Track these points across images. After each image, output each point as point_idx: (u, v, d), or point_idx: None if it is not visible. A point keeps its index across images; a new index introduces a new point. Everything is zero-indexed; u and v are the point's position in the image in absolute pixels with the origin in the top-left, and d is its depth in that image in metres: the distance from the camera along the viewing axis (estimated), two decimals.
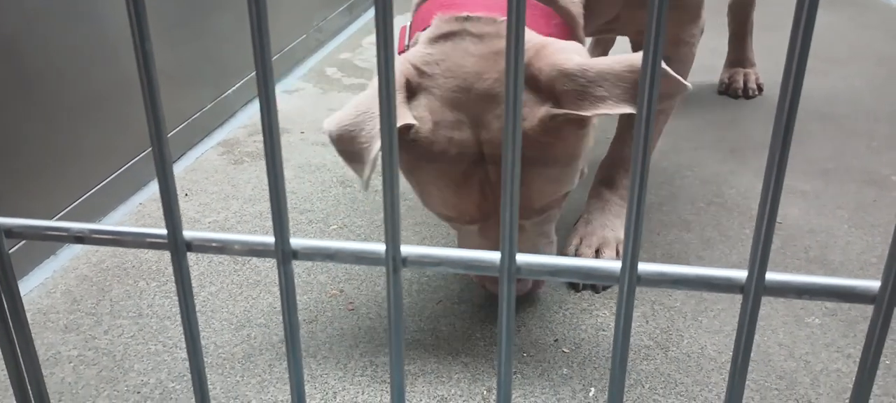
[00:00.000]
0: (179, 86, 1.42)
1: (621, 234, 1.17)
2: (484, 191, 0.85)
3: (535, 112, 0.82)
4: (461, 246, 0.96)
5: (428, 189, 0.88)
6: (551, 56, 0.81)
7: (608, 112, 0.77)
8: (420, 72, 0.84)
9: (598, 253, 1.08)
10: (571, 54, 0.81)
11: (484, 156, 0.84)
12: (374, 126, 0.80)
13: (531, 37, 0.84)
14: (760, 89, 1.71)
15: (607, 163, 1.15)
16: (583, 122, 0.84)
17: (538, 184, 0.86)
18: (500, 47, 0.82)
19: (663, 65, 0.74)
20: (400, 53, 0.91)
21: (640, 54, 0.79)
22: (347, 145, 0.81)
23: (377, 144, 0.78)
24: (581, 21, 0.94)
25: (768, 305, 1.00)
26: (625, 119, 1.17)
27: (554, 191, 0.88)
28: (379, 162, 1.01)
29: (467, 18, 0.84)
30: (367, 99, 0.83)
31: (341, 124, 0.82)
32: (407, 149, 0.84)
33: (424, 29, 0.88)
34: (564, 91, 0.79)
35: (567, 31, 0.91)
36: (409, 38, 0.93)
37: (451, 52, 0.83)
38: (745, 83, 1.71)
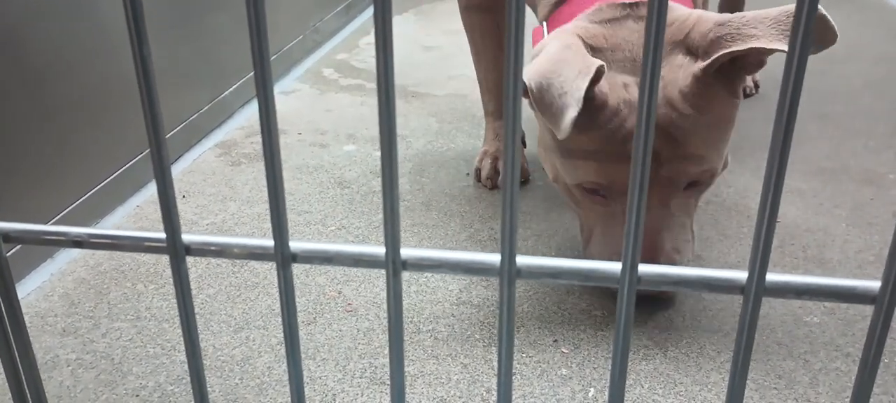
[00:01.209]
0: (176, 87, 1.42)
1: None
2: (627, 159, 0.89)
3: (689, 69, 0.87)
4: (590, 228, 0.98)
5: (586, 155, 0.91)
6: (708, 21, 0.87)
7: (759, 46, 0.80)
8: (587, 45, 0.89)
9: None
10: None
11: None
12: (575, 67, 0.83)
13: (687, 11, 0.91)
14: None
15: None
16: (734, 88, 0.89)
17: (688, 151, 0.89)
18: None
19: (822, 9, 0.77)
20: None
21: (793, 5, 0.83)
22: (546, 93, 0.83)
23: (584, 81, 0.80)
24: None
25: (767, 304, 1.00)
26: None
27: (701, 162, 0.90)
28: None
29: (633, 5, 0.91)
30: (559, 50, 0.86)
31: (540, 73, 0.84)
32: (584, 111, 0.86)
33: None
34: (717, 38, 0.84)
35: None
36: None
37: (617, 31, 0.90)
38: None
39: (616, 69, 0.89)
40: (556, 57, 0.85)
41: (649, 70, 0.35)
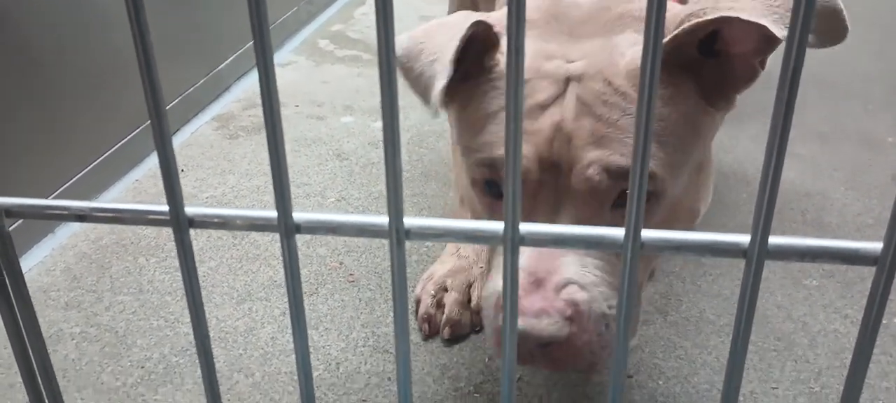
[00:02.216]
0: (172, 60, 1.41)
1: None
2: (553, 139, 0.67)
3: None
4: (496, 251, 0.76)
5: (489, 130, 0.71)
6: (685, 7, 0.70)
7: (739, 16, 0.62)
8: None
9: None
10: None
11: (565, 95, 0.68)
12: (451, 31, 0.68)
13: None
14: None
15: None
16: (711, 96, 0.70)
17: (620, 135, 0.66)
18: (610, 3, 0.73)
19: (839, 1, 0.62)
20: None
21: None
22: (416, 62, 0.70)
23: (455, 42, 0.66)
24: None
25: (766, 268, 1.01)
26: None
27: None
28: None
29: None
30: (442, 20, 0.73)
31: (412, 37, 0.72)
32: (484, 81, 0.72)
33: None
34: (689, 14, 0.66)
35: None
36: None
37: (558, 4, 0.75)
38: None
39: (542, 38, 0.73)
40: (434, 24, 0.73)
41: (648, 75, 0.35)
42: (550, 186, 0.68)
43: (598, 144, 0.66)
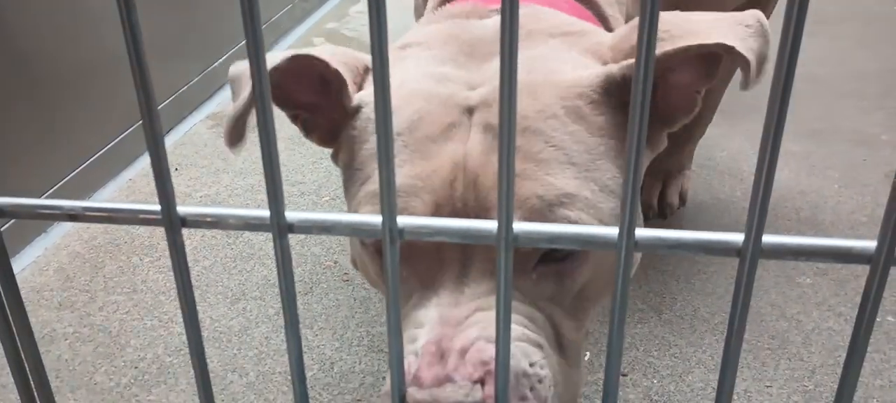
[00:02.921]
0: (166, 58, 1.40)
1: (686, 169, 1.16)
2: (453, 181, 0.54)
3: (591, 72, 0.57)
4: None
5: (371, 178, 0.59)
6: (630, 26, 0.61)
7: (700, 42, 0.53)
8: (404, 46, 0.65)
9: (664, 185, 1.12)
10: None
11: (470, 125, 0.56)
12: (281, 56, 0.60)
13: (574, 20, 0.66)
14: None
15: None
16: (651, 136, 0.61)
17: (540, 172, 0.54)
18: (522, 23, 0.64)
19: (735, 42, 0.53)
20: None
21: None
22: (235, 85, 0.65)
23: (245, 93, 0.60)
24: (614, 24, 0.74)
25: (760, 266, 1.01)
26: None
27: (560, 205, 0.54)
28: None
29: (474, 7, 0.67)
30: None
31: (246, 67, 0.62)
32: (351, 127, 0.61)
33: None
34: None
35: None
36: None
37: (452, 26, 0.65)
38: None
39: (435, 62, 0.61)
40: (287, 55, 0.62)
41: (641, 76, 0.35)
42: (447, 253, 0.55)
43: (518, 180, 0.53)
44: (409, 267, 0.57)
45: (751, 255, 0.41)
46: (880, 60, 1.66)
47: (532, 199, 0.53)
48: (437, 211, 0.54)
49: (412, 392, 0.53)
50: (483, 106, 0.56)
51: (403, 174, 0.56)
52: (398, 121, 0.57)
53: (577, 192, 0.55)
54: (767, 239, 0.41)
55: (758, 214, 0.40)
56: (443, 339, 0.53)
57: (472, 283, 0.55)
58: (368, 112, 0.60)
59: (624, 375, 0.84)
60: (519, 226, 0.43)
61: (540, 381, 0.54)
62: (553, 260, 0.56)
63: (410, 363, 0.54)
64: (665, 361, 0.85)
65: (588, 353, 0.87)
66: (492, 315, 0.53)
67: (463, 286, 0.55)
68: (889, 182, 1.19)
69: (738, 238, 0.41)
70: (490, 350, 0.52)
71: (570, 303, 0.59)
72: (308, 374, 0.85)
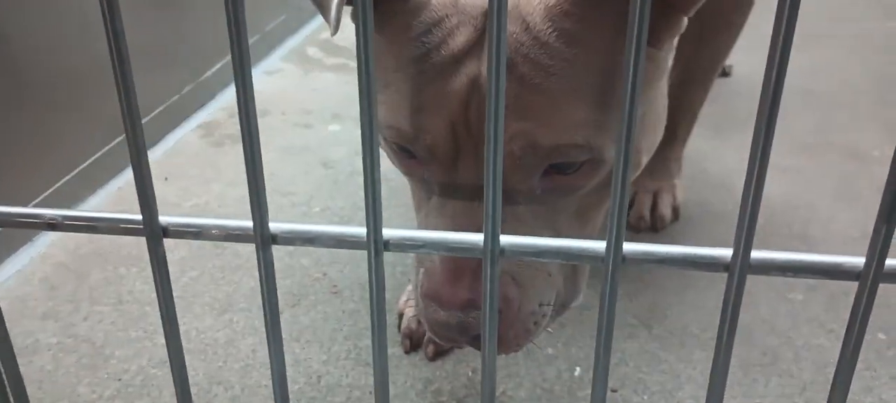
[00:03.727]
0: (157, 67, 1.40)
1: (676, 179, 1.15)
2: (469, 102, 0.56)
3: None
4: (421, 213, 0.66)
5: (393, 84, 0.59)
6: None
7: None
8: None
9: (655, 197, 1.10)
10: None
11: (483, 41, 0.56)
12: None
13: None
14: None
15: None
16: (655, 35, 0.58)
17: (547, 103, 0.55)
18: None
19: None
20: None
21: None
22: None
23: None
24: None
25: (750, 281, 1.00)
26: (686, 61, 1.01)
27: (567, 128, 0.55)
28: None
29: None
30: None
31: None
32: (391, 11, 0.59)
33: None
34: None
35: None
36: None
37: None
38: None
39: None
40: None
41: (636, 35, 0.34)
42: (469, 153, 0.57)
43: (522, 116, 0.54)
44: (429, 169, 0.60)
45: (739, 271, 0.41)
46: (871, 74, 1.67)
47: (541, 130, 0.55)
48: (452, 130, 0.56)
49: (433, 309, 0.57)
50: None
51: (424, 93, 0.57)
52: (425, 25, 0.57)
53: (585, 117, 0.55)
54: (756, 254, 0.41)
55: (746, 230, 0.39)
56: (461, 264, 0.56)
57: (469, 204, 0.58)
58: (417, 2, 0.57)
59: (613, 391, 0.83)
60: (505, 240, 0.42)
61: (544, 316, 0.60)
62: (555, 175, 0.58)
63: (427, 270, 0.58)
64: (655, 377, 0.85)
65: (578, 368, 0.86)
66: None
67: (478, 198, 0.57)
68: (881, 196, 1.19)
69: (726, 253, 0.41)
70: (512, 291, 0.57)
71: (577, 209, 0.61)
72: (294, 387, 0.84)
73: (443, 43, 0.56)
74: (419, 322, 0.88)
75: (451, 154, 0.58)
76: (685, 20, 0.59)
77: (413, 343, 0.89)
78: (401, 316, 0.92)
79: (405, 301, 0.92)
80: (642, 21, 0.33)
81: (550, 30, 0.55)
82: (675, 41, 0.62)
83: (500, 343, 0.59)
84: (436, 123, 0.56)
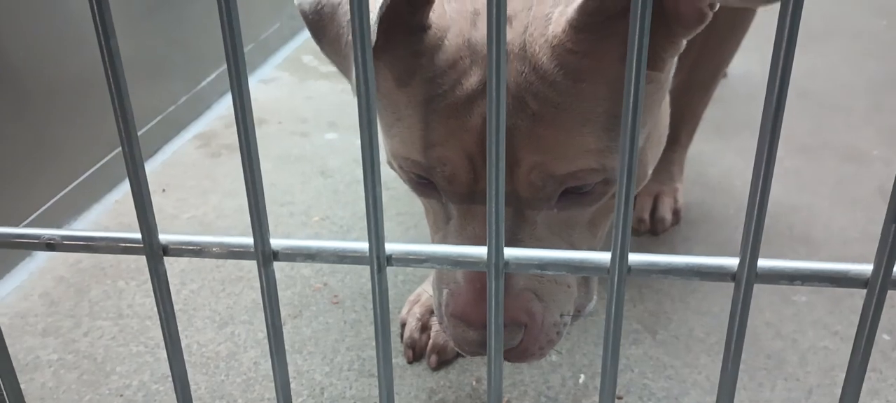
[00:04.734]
0: (153, 78, 1.39)
1: (677, 183, 1.14)
2: (484, 134, 0.58)
3: (567, 9, 0.57)
4: (438, 234, 0.67)
5: (404, 122, 0.61)
6: None
7: None
8: None
9: (656, 200, 1.11)
10: None
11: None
12: None
13: None
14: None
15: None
16: (655, 57, 0.60)
17: (560, 136, 0.58)
18: None
19: None
20: None
21: None
22: (329, 20, 0.59)
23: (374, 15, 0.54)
24: None
25: (755, 285, 1.00)
26: (689, 67, 1.02)
27: (576, 156, 0.58)
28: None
29: None
30: None
31: None
32: (405, 48, 0.60)
33: None
34: None
35: None
36: None
37: None
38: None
39: (471, 2, 0.60)
40: None
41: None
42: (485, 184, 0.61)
43: (537, 149, 0.58)
44: (448, 192, 0.62)
45: (746, 281, 0.40)
46: (869, 75, 1.66)
47: (557, 162, 0.58)
48: (470, 161, 0.59)
49: (461, 328, 0.62)
50: (509, 55, 0.57)
51: (440, 129, 0.59)
52: (440, 65, 0.58)
53: (596, 144, 0.58)
54: (762, 263, 0.40)
55: (751, 239, 0.39)
56: (483, 275, 0.57)
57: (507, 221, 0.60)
58: (434, 37, 0.59)
59: (619, 398, 0.82)
60: (509, 253, 0.42)
61: (564, 324, 0.65)
62: (570, 195, 0.62)
63: (452, 291, 0.62)
64: (660, 383, 0.84)
65: (583, 375, 0.86)
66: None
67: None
68: (880, 197, 1.19)
69: (732, 262, 0.41)
70: (536, 306, 0.62)
71: (589, 219, 0.65)
72: (298, 400, 0.83)
73: (457, 84, 0.58)
74: (422, 331, 0.90)
75: (469, 181, 0.61)
76: (684, 41, 0.60)
77: (416, 353, 0.89)
78: (403, 325, 0.91)
79: (408, 310, 0.92)
80: (642, 48, 0.33)
81: (556, 67, 0.57)
82: (676, 59, 0.64)
83: (526, 353, 0.63)
84: (453, 156, 0.59)
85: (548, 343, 0.64)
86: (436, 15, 0.59)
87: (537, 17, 0.58)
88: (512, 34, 0.58)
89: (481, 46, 0.58)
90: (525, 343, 0.62)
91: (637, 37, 0.32)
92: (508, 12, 0.59)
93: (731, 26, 1.03)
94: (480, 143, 0.58)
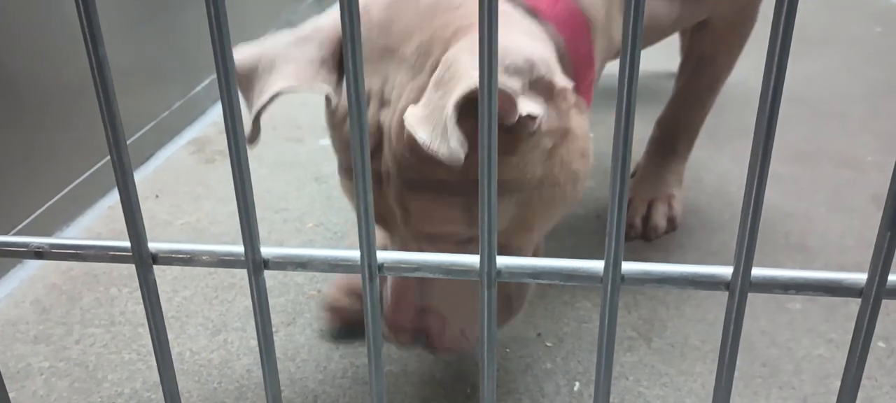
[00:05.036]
0: (147, 84, 1.39)
1: (674, 190, 1.15)
2: (378, 187, 0.68)
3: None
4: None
5: (344, 163, 0.73)
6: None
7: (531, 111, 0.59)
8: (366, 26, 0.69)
9: (650, 207, 1.12)
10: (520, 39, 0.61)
11: (382, 152, 0.66)
12: (274, 62, 0.68)
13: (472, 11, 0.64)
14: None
15: (666, 121, 1.15)
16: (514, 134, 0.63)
17: (429, 210, 0.66)
18: (449, 2, 0.65)
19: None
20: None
21: None
22: (245, 83, 0.69)
23: (271, 88, 0.65)
24: (604, 21, 0.74)
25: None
26: (686, 79, 1.08)
27: (450, 223, 0.66)
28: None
29: None
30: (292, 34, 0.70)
31: (248, 54, 0.70)
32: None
33: None
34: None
35: (582, 26, 0.70)
36: None
37: (402, 7, 0.66)
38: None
39: (383, 57, 0.66)
40: (280, 41, 0.72)
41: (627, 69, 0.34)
42: (388, 223, 0.72)
43: (431, 221, 0.67)
44: (379, 225, 0.73)
45: (740, 290, 0.40)
46: (864, 82, 1.67)
47: (455, 227, 0.67)
48: (391, 215, 0.70)
49: (394, 335, 0.74)
50: (386, 134, 0.66)
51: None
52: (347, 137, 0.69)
53: (460, 214, 0.66)
54: (757, 272, 0.40)
55: (745, 248, 0.39)
56: (407, 289, 0.71)
57: (415, 240, 0.70)
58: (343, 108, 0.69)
59: None
60: (502, 262, 0.41)
61: (470, 336, 0.75)
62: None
63: (384, 295, 0.74)
64: (655, 391, 0.84)
65: (577, 383, 0.86)
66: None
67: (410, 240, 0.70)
68: (876, 204, 1.19)
69: (726, 271, 0.40)
70: (435, 324, 0.72)
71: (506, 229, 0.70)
72: None
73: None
74: (346, 295, 0.94)
75: (385, 208, 0.70)
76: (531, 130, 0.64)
77: (341, 318, 0.93)
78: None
79: (335, 289, 0.95)
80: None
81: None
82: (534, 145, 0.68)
83: (440, 351, 0.74)
84: (377, 204, 0.70)
85: (457, 349, 0.75)
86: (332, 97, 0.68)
87: (416, 89, 0.64)
88: (389, 114, 0.65)
89: (385, 98, 0.66)
90: (429, 344, 0.73)
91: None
92: (387, 94, 0.66)
93: (728, 43, 1.04)
94: (384, 200, 0.68)
